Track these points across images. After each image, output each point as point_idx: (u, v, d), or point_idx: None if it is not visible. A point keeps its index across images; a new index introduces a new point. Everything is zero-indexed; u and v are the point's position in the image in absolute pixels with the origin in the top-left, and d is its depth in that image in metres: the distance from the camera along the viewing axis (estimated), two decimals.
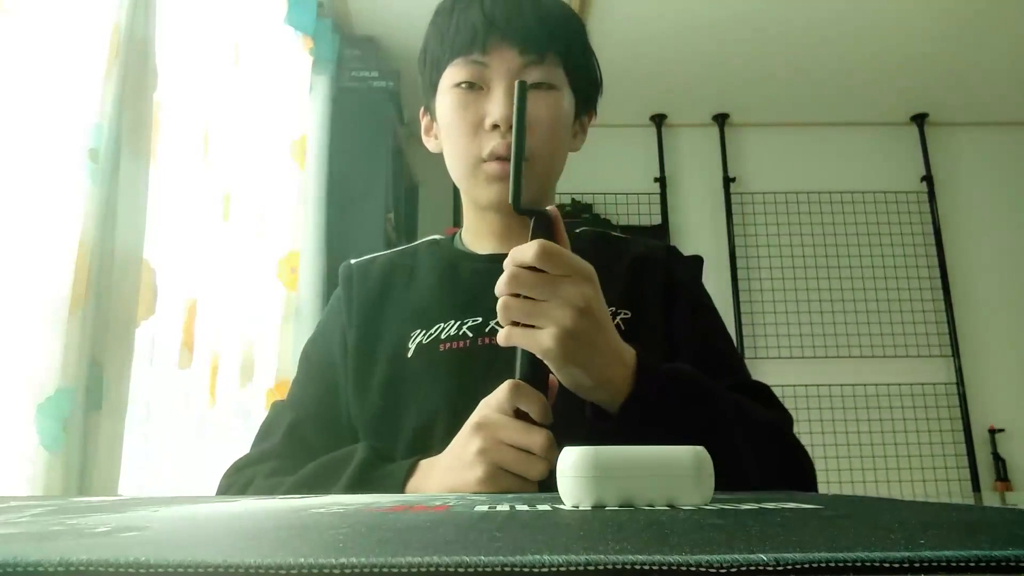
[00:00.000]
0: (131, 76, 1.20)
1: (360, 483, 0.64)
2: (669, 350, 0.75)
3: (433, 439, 0.73)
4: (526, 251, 0.57)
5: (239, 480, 0.74)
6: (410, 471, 0.63)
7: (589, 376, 0.59)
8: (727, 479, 0.48)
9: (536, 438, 0.57)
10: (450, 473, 0.60)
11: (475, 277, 0.80)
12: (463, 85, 0.76)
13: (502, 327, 0.58)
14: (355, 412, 0.77)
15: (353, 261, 0.87)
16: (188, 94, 1.47)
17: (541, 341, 0.57)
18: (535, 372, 0.60)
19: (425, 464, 0.63)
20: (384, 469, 0.65)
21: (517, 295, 0.57)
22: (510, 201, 0.59)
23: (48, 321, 1.01)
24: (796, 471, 0.69)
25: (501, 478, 0.57)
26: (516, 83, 0.60)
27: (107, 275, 1.12)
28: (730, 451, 0.60)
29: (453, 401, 0.72)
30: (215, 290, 1.56)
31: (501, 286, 0.57)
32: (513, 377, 0.64)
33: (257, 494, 0.70)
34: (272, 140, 1.95)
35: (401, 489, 0.62)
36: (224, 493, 0.74)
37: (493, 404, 0.60)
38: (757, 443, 0.65)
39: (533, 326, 0.57)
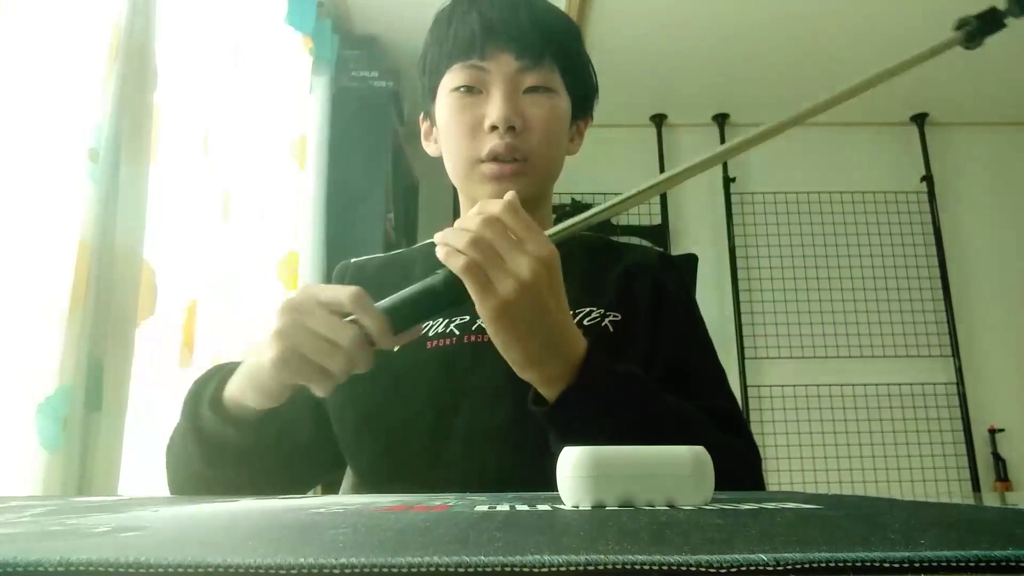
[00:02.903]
0: (131, 76, 1.20)
1: (192, 407, 0.70)
2: (655, 355, 0.75)
3: (415, 436, 0.73)
4: (496, 205, 0.58)
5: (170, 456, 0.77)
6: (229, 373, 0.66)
7: (521, 351, 0.58)
8: None
9: (343, 331, 0.56)
10: (253, 354, 0.61)
11: None
12: (462, 89, 0.77)
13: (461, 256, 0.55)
14: (334, 398, 0.77)
15: (353, 260, 0.88)
16: (188, 94, 1.47)
17: (496, 289, 0.55)
18: (413, 306, 0.58)
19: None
20: (204, 388, 0.69)
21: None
22: None
23: (48, 321, 1.01)
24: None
25: (297, 362, 0.56)
26: None
27: (107, 275, 1.12)
28: None
29: (437, 398, 0.73)
30: (215, 290, 1.56)
31: (474, 225, 0.56)
32: (500, 378, 0.63)
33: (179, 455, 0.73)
34: (272, 140, 1.95)
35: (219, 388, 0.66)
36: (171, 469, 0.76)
37: (312, 291, 0.59)
38: None
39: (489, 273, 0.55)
